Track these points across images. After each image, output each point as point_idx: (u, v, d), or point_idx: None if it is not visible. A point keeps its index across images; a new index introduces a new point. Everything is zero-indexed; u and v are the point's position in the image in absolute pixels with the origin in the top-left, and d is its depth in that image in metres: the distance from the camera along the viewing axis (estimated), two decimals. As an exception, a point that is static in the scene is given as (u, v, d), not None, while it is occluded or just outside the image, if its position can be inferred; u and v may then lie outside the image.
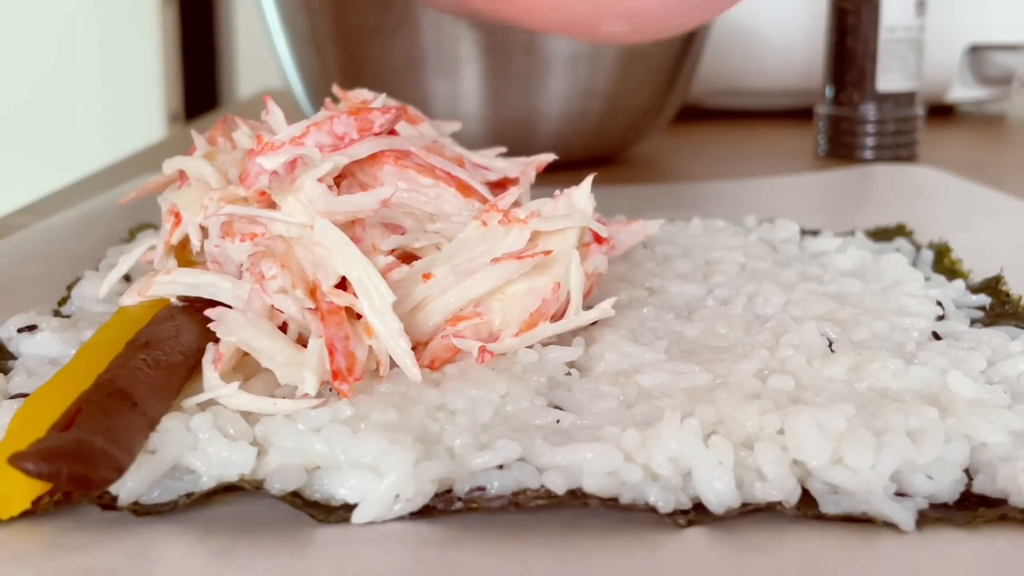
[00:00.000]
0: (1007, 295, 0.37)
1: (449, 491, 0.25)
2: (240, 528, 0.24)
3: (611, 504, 0.24)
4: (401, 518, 0.25)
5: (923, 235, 0.46)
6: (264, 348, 0.28)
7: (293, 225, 0.30)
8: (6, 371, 0.31)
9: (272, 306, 0.29)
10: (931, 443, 0.25)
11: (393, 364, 0.29)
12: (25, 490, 0.24)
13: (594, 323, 0.33)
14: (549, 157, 0.40)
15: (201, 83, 1.78)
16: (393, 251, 0.31)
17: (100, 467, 0.23)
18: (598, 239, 0.33)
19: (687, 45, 0.70)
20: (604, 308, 0.32)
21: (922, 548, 0.23)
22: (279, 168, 0.30)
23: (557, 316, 0.32)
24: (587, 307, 0.32)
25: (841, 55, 0.71)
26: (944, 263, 0.42)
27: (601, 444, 0.25)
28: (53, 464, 0.22)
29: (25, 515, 0.24)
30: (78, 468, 0.23)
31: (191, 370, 0.28)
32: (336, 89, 0.41)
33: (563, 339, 0.32)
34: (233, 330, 0.28)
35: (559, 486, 0.25)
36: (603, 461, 0.25)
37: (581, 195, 0.33)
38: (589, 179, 0.34)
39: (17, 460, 0.22)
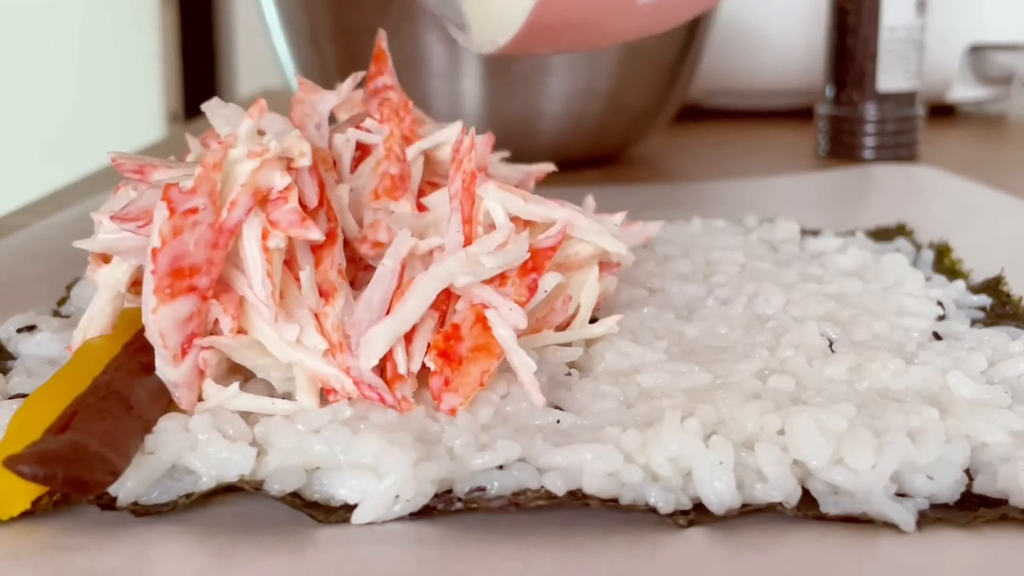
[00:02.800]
0: (1008, 296, 0.37)
1: (449, 491, 0.25)
2: (240, 528, 0.24)
3: (611, 505, 0.24)
4: (401, 518, 0.24)
5: (923, 235, 0.46)
6: (259, 365, 0.28)
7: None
8: (6, 371, 0.31)
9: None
10: (932, 443, 0.25)
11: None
12: (25, 491, 0.24)
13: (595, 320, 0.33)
14: (549, 167, 0.40)
15: (201, 83, 1.78)
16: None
17: (95, 471, 0.23)
18: (609, 265, 0.33)
19: (687, 45, 0.70)
20: (609, 324, 0.32)
21: (922, 548, 0.23)
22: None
23: (562, 327, 0.32)
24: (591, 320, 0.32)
25: (841, 55, 0.71)
26: (944, 263, 0.42)
27: (601, 445, 0.25)
28: (48, 467, 0.22)
29: (24, 515, 0.24)
30: (73, 471, 0.23)
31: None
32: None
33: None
34: (227, 354, 0.28)
35: (559, 487, 0.25)
36: (603, 462, 0.25)
37: (612, 220, 0.33)
38: (623, 214, 0.34)
39: (12, 463, 0.22)
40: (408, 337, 0.28)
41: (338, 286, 0.28)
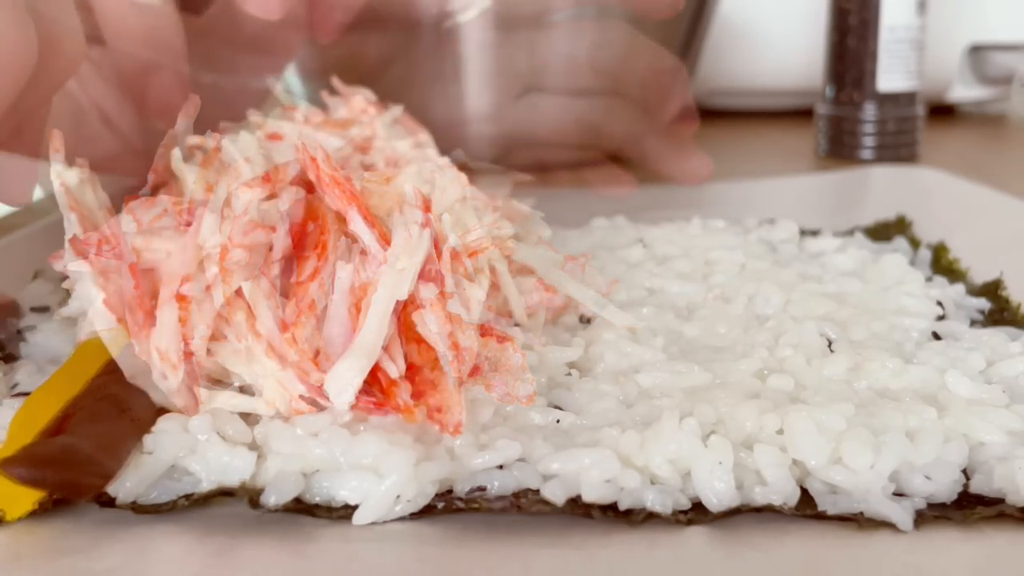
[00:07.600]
0: (1007, 301, 0.36)
1: (450, 491, 0.25)
2: (240, 528, 0.24)
3: (612, 515, 0.24)
4: (401, 518, 0.25)
5: (923, 235, 0.46)
6: (245, 372, 0.28)
7: None
8: (7, 371, 0.32)
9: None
10: (930, 443, 0.25)
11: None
12: (27, 492, 0.24)
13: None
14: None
15: (202, 83, 1.78)
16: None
17: (88, 474, 0.23)
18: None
19: (687, 45, 0.70)
20: (629, 319, 0.33)
21: (920, 547, 0.23)
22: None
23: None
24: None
25: (841, 55, 0.71)
26: (942, 263, 0.41)
27: (599, 450, 0.25)
28: (40, 470, 0.22)
29: (25, 515, 0.24)
30: (66, 475, 0.23)
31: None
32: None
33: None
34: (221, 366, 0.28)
35: (558, 496, 0.24)
36: (601, 470, 0.25)
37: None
38: None
39: (6, 465, 0.22)
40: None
41: (315, 299, 0.28)
